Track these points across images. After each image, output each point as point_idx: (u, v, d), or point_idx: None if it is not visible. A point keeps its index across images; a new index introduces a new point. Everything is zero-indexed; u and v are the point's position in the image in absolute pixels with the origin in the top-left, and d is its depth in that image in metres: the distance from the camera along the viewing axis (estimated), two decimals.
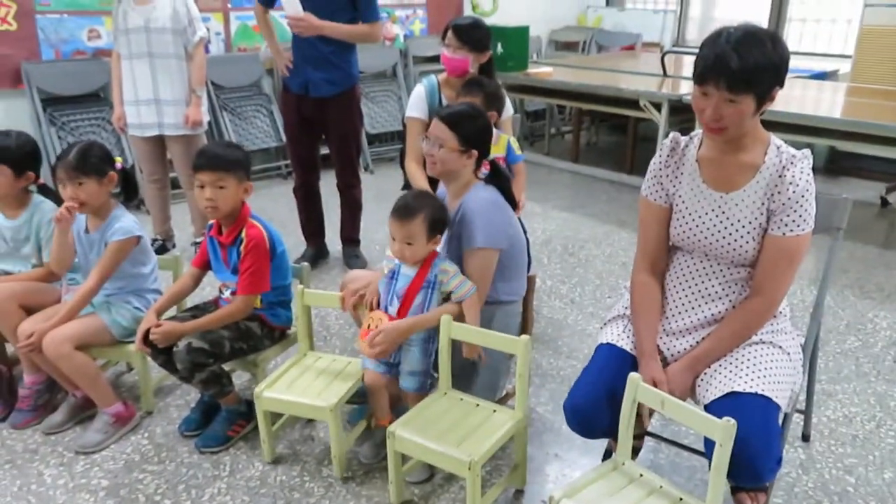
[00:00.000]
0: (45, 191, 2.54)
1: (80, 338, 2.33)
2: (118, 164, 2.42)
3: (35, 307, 2.39)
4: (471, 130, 2.16)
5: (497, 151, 2.87)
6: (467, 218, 2.12)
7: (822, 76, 5.55)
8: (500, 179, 2.27)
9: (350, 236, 3.90)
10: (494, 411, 2.07)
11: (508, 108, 3.05)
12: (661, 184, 1.85)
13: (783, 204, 1.69)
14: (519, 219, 2.97)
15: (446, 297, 2.14)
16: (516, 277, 2.29)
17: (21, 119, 4.46)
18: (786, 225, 1.70)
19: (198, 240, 4.01)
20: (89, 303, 2.39)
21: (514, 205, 2.28)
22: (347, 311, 2.31)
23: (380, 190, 5.17)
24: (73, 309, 2.34)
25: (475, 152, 2.18)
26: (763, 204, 1.72)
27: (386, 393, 2.22)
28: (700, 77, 1.62)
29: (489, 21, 4.40)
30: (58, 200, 2.48)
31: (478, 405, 2.09)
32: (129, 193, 2.53)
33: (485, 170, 2.27)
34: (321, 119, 3.58)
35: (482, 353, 2.12)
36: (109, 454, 2.34)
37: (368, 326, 2.12)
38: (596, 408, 1.75)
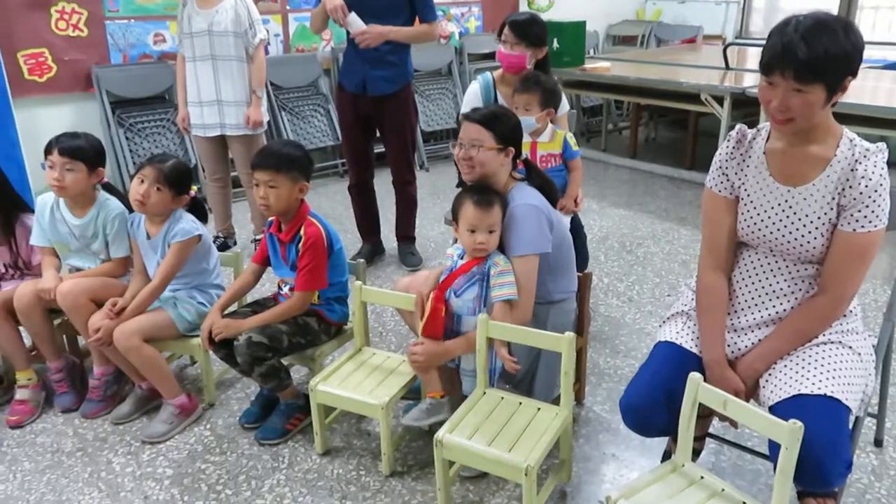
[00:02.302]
0: (109, 189, 2.64)
1: (148, 331, 2.41)
2: (192, 192, 2.51)
3: (105, 301, 2.47)
4: (505, 128, 2.15)
5: (554, 148, 2.85)
6: (509, 225, 2.11)
7: None
8: (537, 177, 2.26)
9: (405, 233, 3.92)
10: (539, 409, 2.05)
11: (564, 104, 3.02)
12: (727, 175, 1.80)
13: (854, 199, 1.62)
14: (576, 215, 2.96)
15: None
16: (565, 274, 2.27)
17: (92, 121, 4.64)
18: (857, 221, 1.63)
19: (258, 237, 4.10)
20: (155, 300, 2.48)
21: (554, 201, 2.26)
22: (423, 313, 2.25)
23: (435, 187, 5.19)
24: (140, 306, 2.43)
25: (512, 150, 2.17)
26: (833, 199, 1.65)
27: (435, 369, 2.20)
28: (766, 67, 1.57)
29: (545, 16, 4.37)
30: (122, 198, 2.58)
31: (520, 403, 2.07)
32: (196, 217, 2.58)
33: (520, 168, 2.26)
34: (378, 117, 3.62)
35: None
36: (174, 444, 2.42)
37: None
38: (652, 406, 1.71)
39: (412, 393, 2.37)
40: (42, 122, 4.47)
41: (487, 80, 3.03)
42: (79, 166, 2.45)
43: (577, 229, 2.96)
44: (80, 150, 2.45)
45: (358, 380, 2.28)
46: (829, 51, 1.50)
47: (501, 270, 2.08)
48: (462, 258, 2.15)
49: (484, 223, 2.06)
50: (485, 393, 2.11)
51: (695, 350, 1.81)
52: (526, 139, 2.80)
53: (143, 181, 2.40)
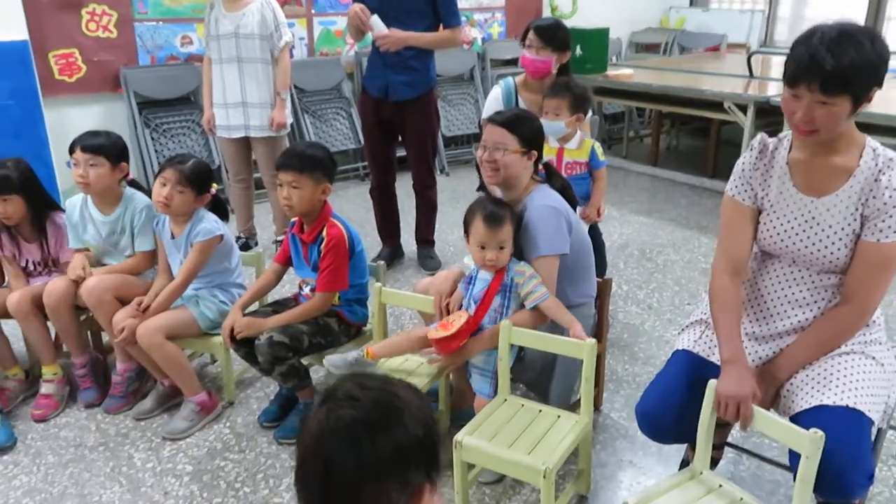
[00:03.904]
0: (134, 185, 2.69)
1: (171, 328, 2.45)
2: (213, 190, 2.55)
3: (128, 298, 2.52)
4: (529, 131, 2.16)
5: (581, 156, 2.85)
6: (528, 227, 2.11)
7: None
8: (557, 181, 2.26)
9: (425, 237, 3.94)
10: (559, 416, 2.05)
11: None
12: (750, 184, 1.78)
13: (878, 209, 1.61)
14: (596, 224, 2.95)
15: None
16: (584, 279, 2.27)
17: (119, 121, 4.70)
18: (881, 231, 1.61)
19: (279, 238, 4.13)
20: (177, 298, 2.51)
21: (573, 205, 2.26)
22: (441, 312, 2.25)
23: (455, 192, 5.21)
24: (163, 304, 2.47)
25: (535, 153, 2.17)
26: (857, 209, 1.64)
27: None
28: (791, 78, 1.55)
29: (568, 23, 4.36)
30: (148, 195, 2.62)
31: (540, 410, 2.08)
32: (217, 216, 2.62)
33: (541, 173, 2.26)
34: (399, 122, 3.64)
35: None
36: (194, 441, 2.45)
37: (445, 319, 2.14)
38: (668, 414, 1.71)
39: (430, 395, 2.38)
40: (71, 121, 4.54)
41: (509, 86, 3.04)
42: (101, 161, 2.51)
43: (594, 237, 2.95)
44: (101, 147, 2.51)
45: None
46: (856, 62, 1.48)
47: (529, 276, 2.08)
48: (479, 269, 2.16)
49: (494, 240, 2.06)
50: (506, 400, 2.12)
51: (712, 359, 1.80)
52: (554, 144, 2.80)
53: (165, 184, 2.43)
